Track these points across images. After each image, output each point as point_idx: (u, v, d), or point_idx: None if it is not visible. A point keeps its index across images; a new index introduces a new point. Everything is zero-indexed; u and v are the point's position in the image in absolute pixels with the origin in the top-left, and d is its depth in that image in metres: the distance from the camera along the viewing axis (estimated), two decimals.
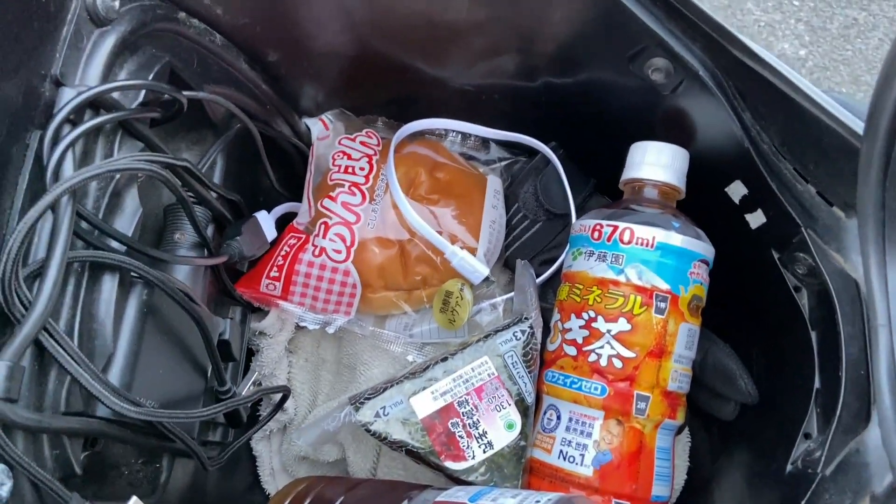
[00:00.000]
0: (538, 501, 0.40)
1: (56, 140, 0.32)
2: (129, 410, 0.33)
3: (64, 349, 0.31)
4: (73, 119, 0.33)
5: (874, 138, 0.36)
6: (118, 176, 0.37)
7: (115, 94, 0.36)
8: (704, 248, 0.50)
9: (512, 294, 0.55)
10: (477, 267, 0.53)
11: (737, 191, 0.51)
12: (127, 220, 0.38)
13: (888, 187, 0.38)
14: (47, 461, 0.32)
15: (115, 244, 0.37)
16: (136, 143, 0.39)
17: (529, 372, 0.50)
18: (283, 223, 0.55)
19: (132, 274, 0.37)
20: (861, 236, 0.38)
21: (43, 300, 0.30)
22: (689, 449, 0.58)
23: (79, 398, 0.34)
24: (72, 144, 0.33)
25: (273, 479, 0.57)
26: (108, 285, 0.36)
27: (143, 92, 0.38)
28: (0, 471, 0.29)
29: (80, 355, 0.32)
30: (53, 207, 0.31)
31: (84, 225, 0.35)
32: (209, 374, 0.45)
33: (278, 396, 0.51)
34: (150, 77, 0.38)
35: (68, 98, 0.33)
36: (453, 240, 0.54)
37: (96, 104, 0.35)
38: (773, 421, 0.51)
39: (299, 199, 0.55)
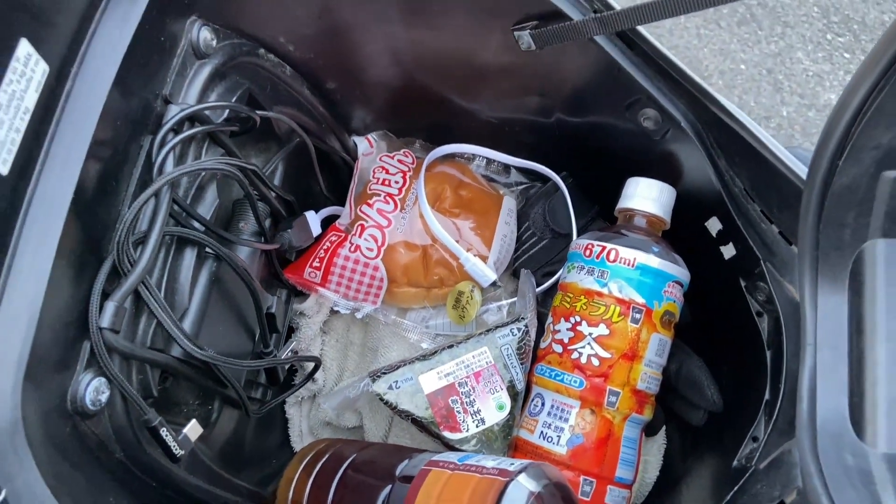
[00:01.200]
0: (512, 464, 0.49)
1: (162, 144, 0.43)
2: (195, 351, 0.44)
3: (154, 299, 0.42)
4: (176, 129, 0.44)
5: (811, 190, 0.45)
6: (203, 173, 0.48)
7: (207, 112, 0.47)
8: (679, 272, 0.58)
9: (515, 299, 0.64)
10: (486, 272, 0.62)
11: (714, 225, 0.60)
12: (206, 208, 0.49)
13: (822, 230, 0.46)
14: (133, 382, 0.42)
15: (196, 225, 0.47)
16: (218, 150, 0.50)
17: (521, 364, 0.59)
18: (327, 223, 0.65)
19: (206, 249, 0.48)
20: (799, 270, 0.47)
21: (144, 261, 0.41)
22: (664, 450, 0.66)
23: (160, 339, 0.45)
24: (173, 148, 0.43)
25: (301, 440, 0.67)
26: (189, 256, 0.46)
27: (227, 110, 0.49)
28: (102, 382, 0.40)
29: (164, 305, 0.42)
30: (156, 194, 0.42)
31: (175, 208, 0.46)
32: (256, 338, 0.56)
33: (311, 366, 0.61)
34: (234, 99, 0.49)
35: (173, 113, 0.44)
36: (468, 248, 0.63)
37: (192, 118, 0.45)
38: (733, 427, 0.59)
39: (342, 204, 0.66)
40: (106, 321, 0.39)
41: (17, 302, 0.35)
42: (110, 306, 0.39)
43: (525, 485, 0.47)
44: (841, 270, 0.46)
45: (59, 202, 0.36)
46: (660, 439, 0.66)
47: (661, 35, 1.75)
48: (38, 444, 0.35)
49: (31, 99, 0.35)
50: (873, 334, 0.44)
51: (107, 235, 0.41)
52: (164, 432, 0.42)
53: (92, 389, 0.39)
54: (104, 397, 0.40)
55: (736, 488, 0.51)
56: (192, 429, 0.45)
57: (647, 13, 0.50)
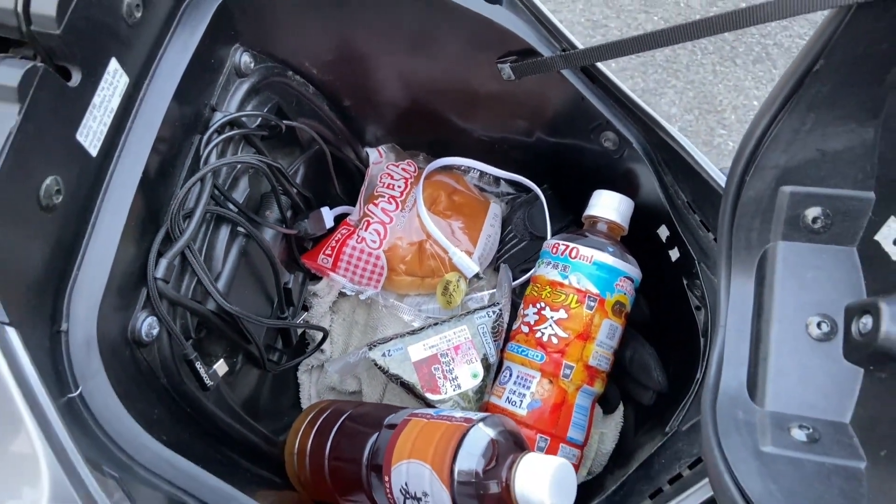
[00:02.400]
0: (475, 416, 0.60)
1: (208, 142, 0.55)
2: (224, 304, 0.56)
3: (196, 261, 0.54)
4: (219, 130, 0.57)
5: (726, 200, 0.56)
6: (238, 166, 0.60)
7: (244, 119, 0.59)
8: (630, 270, 0.69)
9: (495, 289, 0.75)
10: (471, 266, 0.74)
11: (663, 232, 0.71)
12: (239, 195, 0.61)
13: (734, 234, 0.57)
14: (177, 324, 0.54)
15: (231, 207, 0.60)
16: (251, 150, 0.62)
17: (495, 341, 0.70)
18: (339, 219, 0.77)
19: (238, 228, 0.60)
20: (717, 266, 0.57)
21: (190, 230, 0.53)
22: (621, 427, 0.76)
23: (199, 294, 0.57)
24: (216, 145, 0.56)
25: (309, 402, 0.78)
26: (224, 231, 0.59)
27: (260, 118, 0.61)
28: (154, 321, 0.52)
29: (203, 267, 0.54)
30: (202, 179, 0.54)
31: (216, 192, 0.58)
32: (275, 306, 0.68)
33: (320, 336, 0.73)
34: (265, 110, 0.61)
35: (217, 119, 0.56)
36: (457, 244, 0.75)
37: (232, 123, 0.58)
38: (674, 404, 0.69)
39: (353, 204, 0.78)
40: (160, 273, 0.51)
41: (98, 253, 0.47)
42: (163, 262, 0.51)
43: (484, 429, 0.58)
44: (749, 266, 0.57)
45: (131, 181, 0.49)
46: (617, 417, 0.76)
47: (678, 71, 1.85)
48: (107, 360, 0.47)
49: (115, 102, 0.48)
50: (769, 318, 0.55)
51: (163, 209, 0.53)
52: (198, 365, 0.54)
53: (146, 325, 0.51)
54: (155, 332, 0.52)
55: (659, 444, 0.61)
56: (220, 366, 0.57)
57: (603, 52, 0.61)
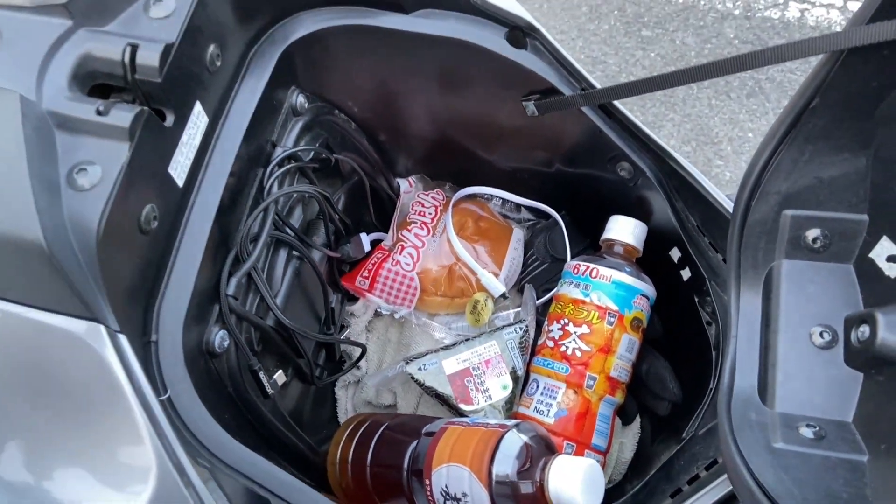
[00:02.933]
0: (509, 422, 0.66)
1: (271, 174, 0.62)
2: (283, 318, 0.61)
3: (260, 280, 0.60)
4: (279, 164, 0.63)
5: (734, 223, 0.62)
6: (294, 195, 0.66)
7: (300, 153, 0.66)
8: (646, 288, 0.75)
9: (520, 308, 0.81)
10: (497, 286, 0.80)
11: (675, 254, 0.77)
12: (295, 221, 0.67)
13: (742, 253, 0.63)
14: (243, 337, 0.60)
15: (289, 232, 0.66)
16: (304, 180, 0.68)
17: (522, 355, 0.76)
18: (374, 245, 0.83)
19: (294, 251, 0.66)
20: (728, 281, 0.63)
21: (255, 253, 0.59)
22: (639, 437, 0.82)
23: (261, 311, 0.62)
24: (277, 177, 0.62)
25: (346, 415, 0.83)
26: (282, 253, 0.65)
27: (312, 152, 0.68)
28: (225, 334, 0.58)
29: (266, 285, 0.60)
30: (265, 209, 0.61)
31: (276, 219, 0.64)
32: (321, 323, 0.74)
33: (358, 352, 0.79)
34: (317, 145, 0.68)
35: (278, 154, 0.63)
36: (484, 267, 0.81)
37: (290, 157, 0.64)
38: (689, 414, 0.75)
39: (385, 230, 0.84)
40: (231, 290, 0.57)
41: (182, 273, 0.53)
42: (234, 281, 0.57)
43: (518, 434, 0.64)
44: (756, 282, 0.63)
45: (209, 210, 0.55)
46: (635, 427, 0.81)
47: (675, 104, 1.93)
48: (189, 368, 0.52)
49: (198, 139, 0.54)
50: (776, 329, 0.61)
51: (232, 234, 0.59)
52: (261, 375, 0.59)
53: (218, 338, 0.57)
54: (226, 344, 0.57)
55: (678, 447, 0.67)
56: (279, 377, 0.62)
57: (619, 92, 0.68)
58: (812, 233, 0.60)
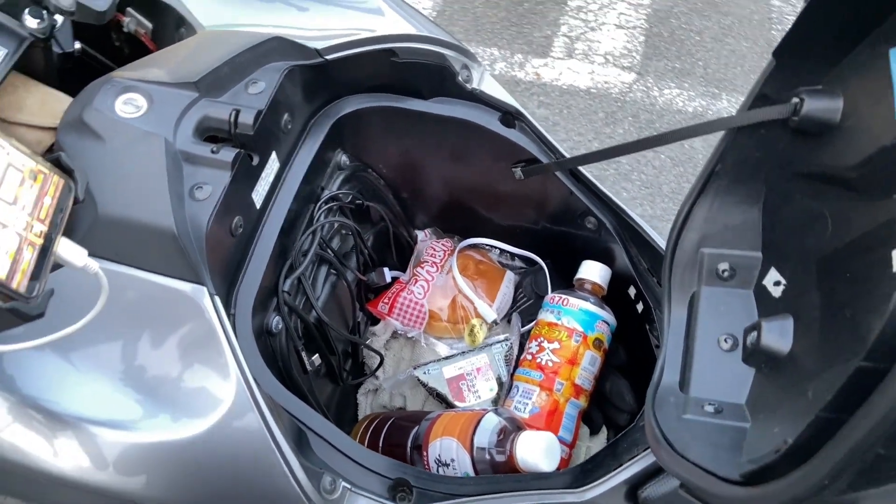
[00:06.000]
0: (490, 408, 0.84)
1: (318, 209, 0.84)
2: (321, 315, 0.82)
3: (306, 284, 0.81)
4: (326, 202, 0.86)
5: (666, 259, 0.82)
6: (336, 226, 0.89)
7: (341, 196, 0.88)
8: (607, 316, 0.94)
9: (508, 334, 1.01)
10: (490, 313, 1.00)
11: (631, 291, 0.97)
12: (336, 245, 0.89)
13: (672, 282, 0.83)
14: (291, 325, 0.81)
15: (330, 253, 0.88)
16: (343, 218, 0.91)
17: (507, 366, 0.95)
18: (394, 280, 1.05)
19: (332, 270, 0.87)
20: (662, 304, 0.83)
21: (305, 262, 0.81)
22: (605, 445, 0.99)
23: (305, 309, 0.83)
24: (323, 212, 0.85)
25: None
26: (323, 270, 0.86)
27: (351, 197, 0.91)
28: (279, 320, 0.78)
29: (311, 288, 0.82)
30: (314, 232, 0.83)
31: (321, 241, 0.86)
32: (349, 330, 0.94)
33: (377, 361, 0.99)
34: (350, 196, 0.91)
35: (325, 195, 0.86)
36: (480, 299, 1.01)
37: (333, 198, 0.87)
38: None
39: (405, 271, 1.05)
40: (286, 287, 0.78)
41: (255, 268, 0.74)
42: (288, 282, 0.79)
43: (496, 415, 0.82)
44: (682, 304, 0.82)
45: (275, 228, 0.77)
46: (601, 437, 0.99)
47: (681, 201, 2.14)
48: (255, 338, 0.73)
49: (272, 177, 0.77)
50: (694, 337, 0.80)
51: (289, 249, 0.81)
52: (304, 354, 0.80)
53: (275, 321, 0.78)
54: (280, 327, 0.78)
55: (619, 435, 0.84)
56: (315, 359, 0.83)
57: (582, 160, 0.90)
58: (722, 265, 0.80)
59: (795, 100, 0.68)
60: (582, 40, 2.56)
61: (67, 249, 0.51)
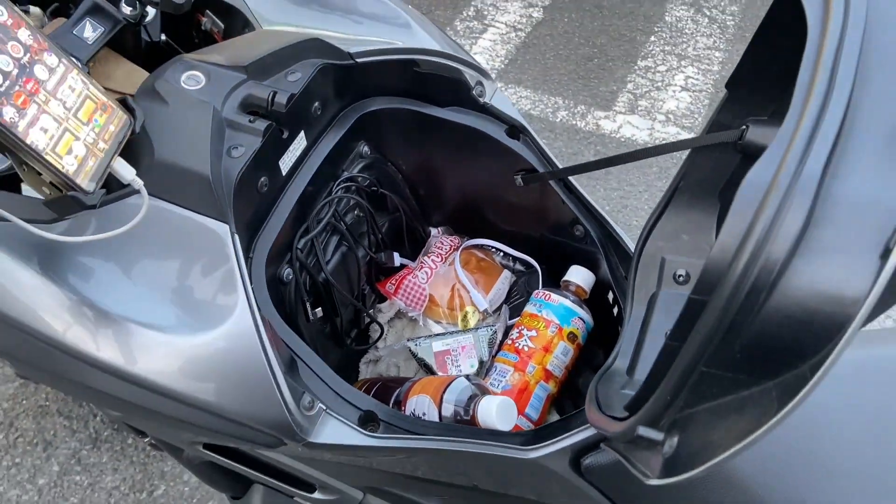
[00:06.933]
0: (460, 374, 0.96)
1: (337, 186, 0.99)
2: (328, 275, 0.96)
3: (318, 246, 0.96)
4: (343, 181, 1.00)
5: (633, 261, 0.93)
6: (352, 202, 1.03)
7: (359, 178, 1.03)
8: (584, 315, 1.05)
9: (498, 324, 1.13)
10: (483, 302, 1.12)
11: (609, 296, 1.07)
12: (349, 221, 1.04)
13: (636, 284, 0.94)
14: (300, 278, 0.95)
15: (343, 225, 1.02)
16: (358, 197, 1.06)
17: (489, 348, 1.07)
18: (402, 266, 1.18)
19: (343, 241, 1.02)
20: (625, 300, 0.94)
21: (318, 227, 0.95)
22: None
23: (315, 269, 0.98)
24: (341, 188, 0.99)
25: None
26: (335, 239, 1.01)
27: (368, 182, 1.05)
28: (290, 272, 0.93)
29: (321, 251, 0.96)
30: (329, 202, 0.97)
31: (336, 213, 1.01)
32: (353, 296, 1.08)
33: (378, 333, 1.12)
34: (368, 181, 1.06)
35: (344, 175, 1.01)
36: (476, 290, 1.14)
37: (351, 179, 1.02)
38: None
39: (414, 261, 1.19)
40: (300, 245, 0.93)
41: (274, 224, 0.89)
42: (302, 241, 0.93)
43: (465, 380, 0.94)
44: (643, 302, 0.93)
45: (296, 193, 0.92)
46: None
47: None
48: (267, 283, 0.87)
49: (299, 151, 0.92)
50: (647, 332, 0.90)
51: (307, 214, 0.96)
52: (308, 307, 0.94)
53: (286, 273, 0.92)
54: (290, 278, 0.93)
55: (575, 412, 0.94)
56: (318, 311, 0.97)
57: (572, 170, 1.02)
58: (679, 271, 0.91)
59: (743, 127, 0.79)
60: (646, 98, 2.67)
61: (121, 166, 0.67)
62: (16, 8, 0.61)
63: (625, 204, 2.28)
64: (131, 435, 1.67)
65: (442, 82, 1.02)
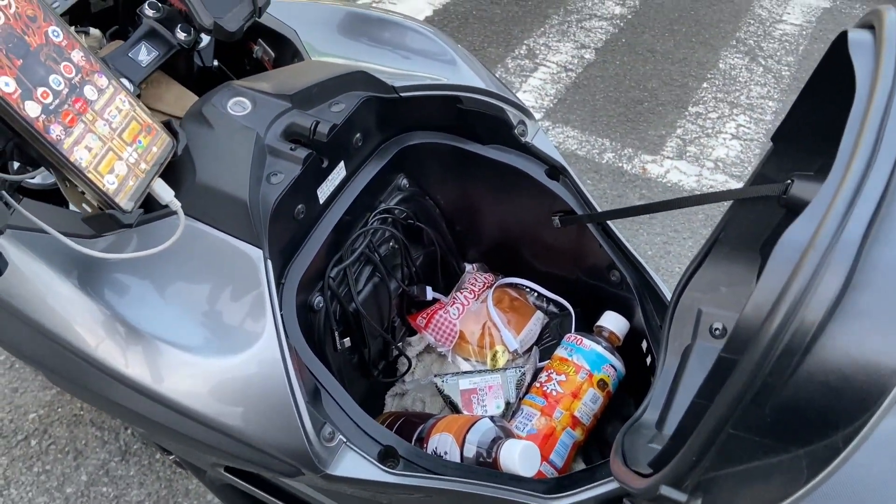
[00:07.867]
0: (487, 416, 0.95)
1: (374, 217, 1.00)
2: (360, 307, 0.96)
3: (350, 277, 0.96)
4: (380, 213, 1.01)
5: (667, 314, 0.91)
6: (387, 233, 1.03)
7: (395, 211, 1.03)
8: (615, 362, 1.03)
9: (529, 366, 1.11)
10: (513, 342, 1.11)
11: (643, 345, 1.05)
12: (384, 253, 1.04)
13: (670, 335, 0.92)
14: (330, 307, 0.95)
15: (377, 257, 1.02)
16: (394, 229, 1.06)
17: (517, 390, 1.05)
18: (435, 301, 1.18)
19: (376, 272, 1.02)
20: (659, 352, 0.91)
21: (352, 257, 0.96)
22: None
23: (346, 298, 0.98)
24: (377, 220, 1.00)
25: None
26: (367, 269, 1.01)
27: (405, 214, 1.05)
28: (321, 300, 0.93)
29: (353, 281, 0.96)
30: (364, 232, 0.98)
31: (371, 244, 1.01)
32: (383, 328, 1.08)
33: (406, 366, 1.11)
34: (404, 214, 1.06)
35: (381, 207, 1.01)
36: (508, 329, 1.12)
37: (388, 211, 1.02)
38: None
39: (447, 296, 1.18)
40: (332, 274, 0.93)
41: (307, 254, 0.90)
42: (335, 270, 0.94)
43: (490, 421, 0.93)
44: (677, 354, 0.90)
45: (332, 222, 0.92)
46: None
47: None
48: (297, 310, 0.88)
49: (337, 181, 0.93)
50: (679, 385, 0.88)
51: (341, 243, 0.96)
52: (337, 336, 0.94)
53: (317, 300, 0.92)
54: (321, 306, 0.93)
55: (601, 462, 0.92)
56: (346, 340, 0.96)
57: (611, 214, 1.01)
58: (716, 324, 0.88)
59: (788, 181, 0.77)
60: (695, 144, 2.64)
61: (160, 187, 0.69)
62: (71, 30, 0.64)
63: (667, 250, 2.25)
64: (158, 451, 1.68)
65: (484, 119, 1.03)
